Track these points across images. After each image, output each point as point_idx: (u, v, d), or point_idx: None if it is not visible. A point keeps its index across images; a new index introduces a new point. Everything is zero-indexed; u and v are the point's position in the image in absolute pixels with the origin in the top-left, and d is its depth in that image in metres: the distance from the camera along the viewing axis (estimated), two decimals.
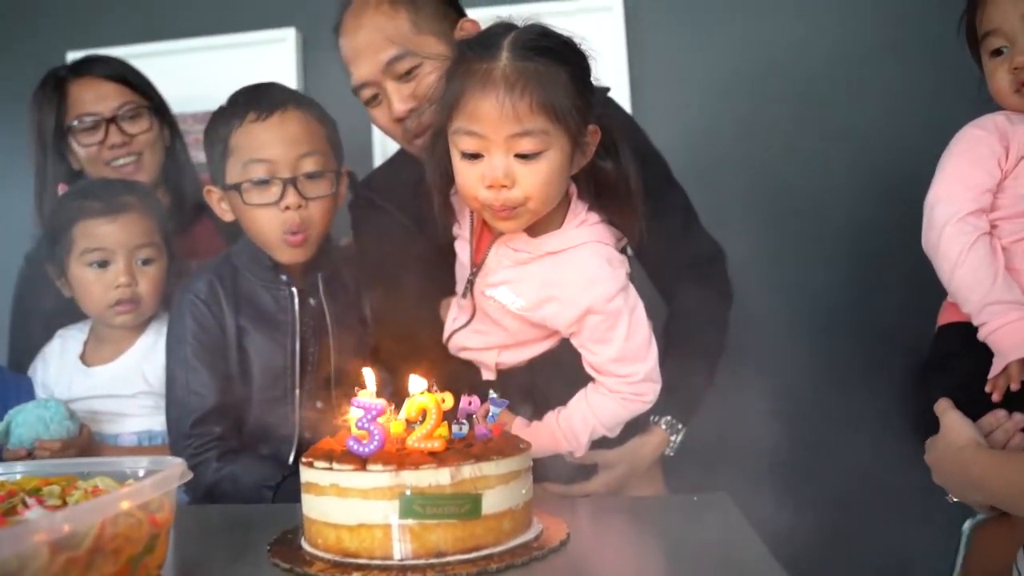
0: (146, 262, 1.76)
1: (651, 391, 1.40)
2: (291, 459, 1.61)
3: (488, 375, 1.48)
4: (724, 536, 1.12)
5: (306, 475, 1.07)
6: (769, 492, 1.52)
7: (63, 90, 1.98)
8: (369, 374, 1.13)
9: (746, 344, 1.86)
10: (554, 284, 1.36)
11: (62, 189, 1.87)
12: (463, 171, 1.31)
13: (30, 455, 1.57)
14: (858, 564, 2.23)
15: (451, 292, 1.58)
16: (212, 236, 2.00)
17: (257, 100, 1.60)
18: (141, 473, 1.08)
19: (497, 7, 1.45)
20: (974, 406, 1.27)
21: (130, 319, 1.77)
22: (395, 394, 1.16)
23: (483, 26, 1.41)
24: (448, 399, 1.09)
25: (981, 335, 1.29)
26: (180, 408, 1.61)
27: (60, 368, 1.81)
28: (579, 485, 1.51)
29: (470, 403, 1.10)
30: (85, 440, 1.66)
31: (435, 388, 1.09)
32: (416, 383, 1.09)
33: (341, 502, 1.02)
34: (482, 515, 1.02)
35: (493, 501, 1.03)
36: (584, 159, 1.36)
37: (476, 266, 1.44)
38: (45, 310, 1.90)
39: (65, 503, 0.98)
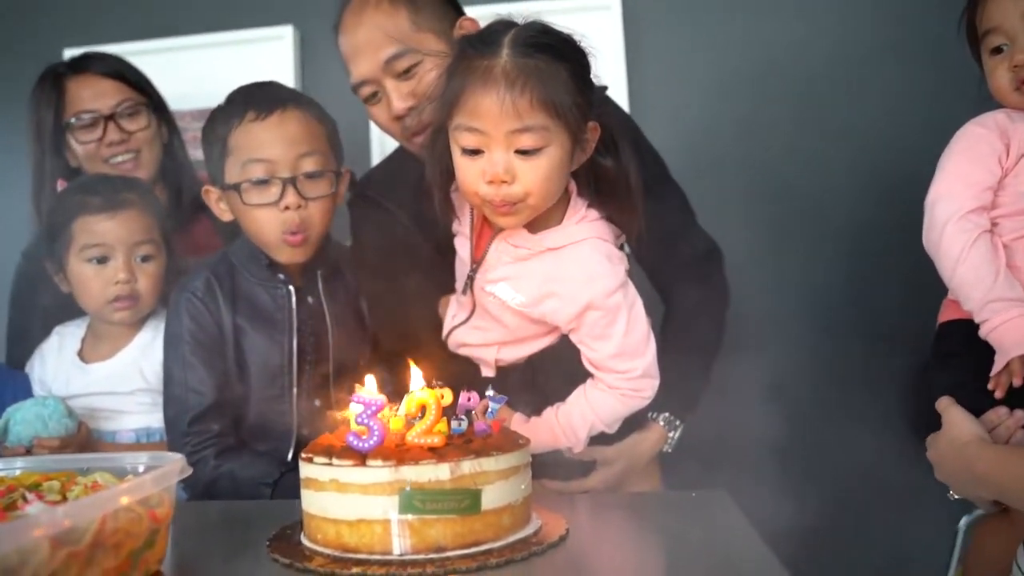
0: (145, 259, 1.76)
1: (649, 387, 1.41)
2: (289, 456, 1.61)
3: (487, 372, 1.48)
4: (723, 532, 1.12)
5: (305, 471, 1.07)
6: (768, 490, 1.53)
7: (61, 87, 1.98)
8: (371, 380, 1.13)
9: (745, 343, 1.86)
10: (554, 280, 1.37)
11: (61, 185, 1.87)
12: (464, 167, 1.31)
13: (28, 453, 1.57)
14: (856, 561, 2.24)
15: (450, 290, 1.58)
16: (210, 234, 2.00)
17: (256, 99, 1.59)
18: (141, 469, 1.09)
19: (496, 5, 1.45)
20: (975, 403, 1.27)
21: (128, 315, 1.77)
22: (395, 392, 1.16)
23: (482, 24, 1.42)
24: (447, 395, 1.09)
25: (983, 332, 1.29)
26: (178, 406, 1.60)
27: (58, 365, 1.81)
28: (577, 482, 1.51)
29: (469, 399, 1.10)
30: (83, 438, 1.66)
31: (436, 383, 1.09)
32: (416, 374, 1.09)
33: (341, 497, 1.02)
34: (481, 510, 1.02)
35: (492, 497, 1.03)
36: (584, 156, 1.36)
37: (476, 262, 1.44)
38: (43, 307, 1.90)
39: (65, 498, 0.98)
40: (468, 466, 1.01)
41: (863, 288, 2.34)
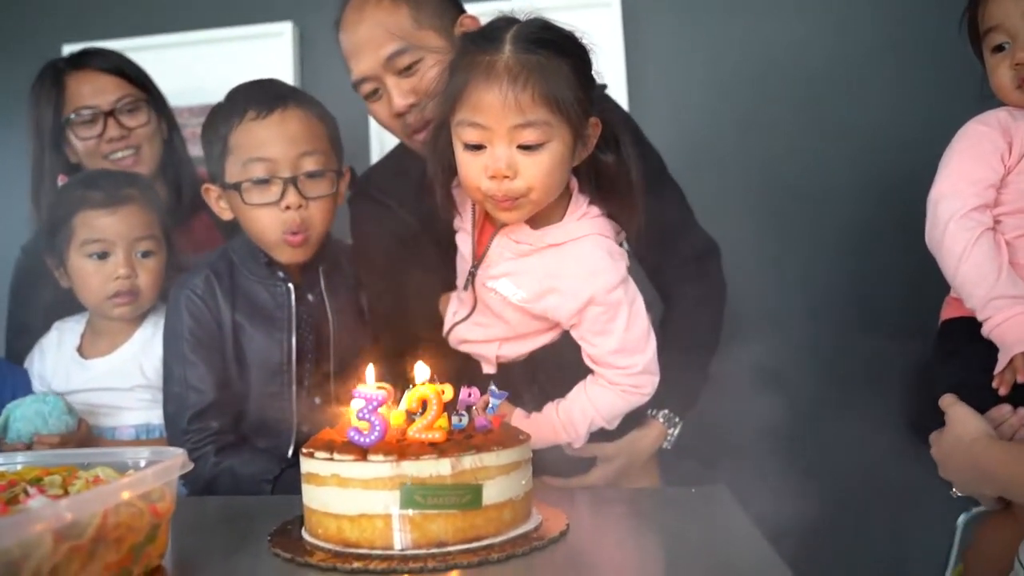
0: (145, 255, 1.76)
1: (649, 383, 1.41)
2: (289, 452, 1.62)
3: (488, 369, 1.48)
4: (722, 527, 1.12)
5: (307, 465, 1.07)
6: (766, 485, 1.53)
7: (61, 83, 1.98)
8: (370, 370, 1.13)
9: (744, 340, 1.86)
10: (555, 276, 1.37)
11: (62, 180, 1.86)
12: (466, 162, 1.32)
13: (28, 450, 1.57)
14: (855, 557, 2.24)
15: (451, 287, 1.58)
16: (210, 230, 2.00)
17: (256, 97, 1.58)
18: (142, 463, 1.09)
19: (497, 2, 1.45)
20: (978, 401, 1.27)
21: (128, 311, 1.77)
22: (395, 388, 1.16)
23: (482, 21, 1.43)
24: (448, 390, 1.09)
25: (985, 330, 1.29)
26: (178, 403, 1.60)
27: (57, 360, 1.81)
28: (578, 478, 1.52)
29: (470, 395, 1.11)
30: (83, 434, 1.66)
31: (436, 379, 1.10)
32: (422, 368, 1.09)
33: (342, 492, 1.02)
34: (482, 506, 1.02)
35: (494, 492, 1.03)
36: (586, 151, 1.37)
37: (478, 259, 1.45)
38: (42, 302, 1.90)
39: (66, 493, 0.98)
40: (469, 461, 1.02)
41: (863, 286, 2.34)
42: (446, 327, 1.53)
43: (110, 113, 1.96)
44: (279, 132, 1.56)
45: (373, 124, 2.44)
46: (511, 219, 1.36)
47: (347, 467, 1.02)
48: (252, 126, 1.56)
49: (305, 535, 1.09)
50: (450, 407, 1.09)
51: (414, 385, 1.09)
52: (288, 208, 1.55)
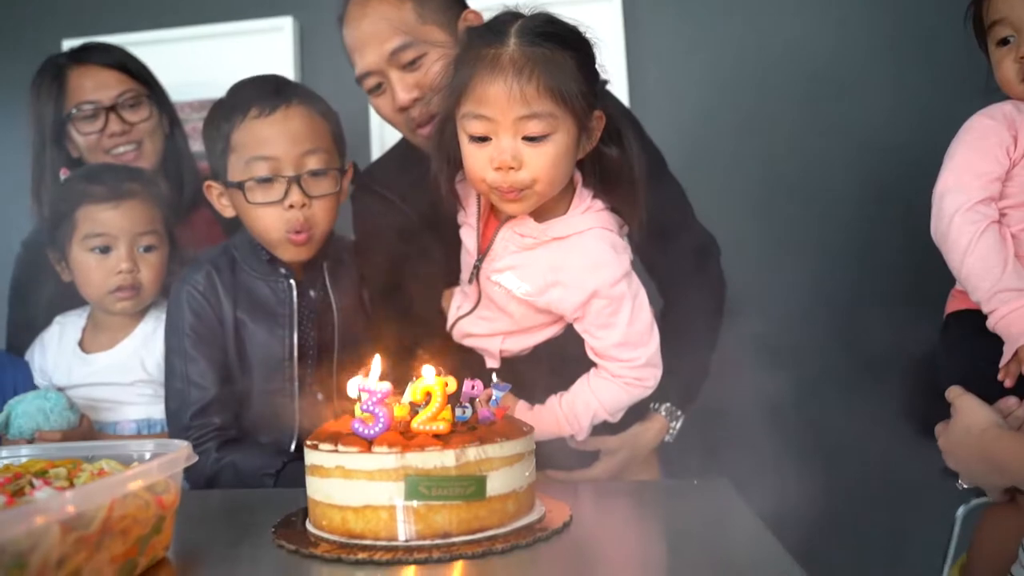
0: (148, 249, 1.76)
1: (652, 376, 1.42)
2: (292, 447, 1.62)
3: (492, 363, 1.49)
4: (725, 518, 1.13)
5: (311, 457, 1.07)
6: (767, 479, 1.53)
7: (62, 78, 1.98)
8: (377, 361, 1.14)
9: (743, 336, 1.87)
10: (560, 268, 1.38)
11: (64, 174, 1.86)
12: (471, 154, 1.33)
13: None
14: (855, 548, 2.25)
15: (453, 282, 1.59)
16: (210, 225, 2.00)
17: (260, 95, 1.57)
18: (147, 456, 1.09)
19: None
20: (983, 393, 1.26)
21: (130, 306, 1.77)
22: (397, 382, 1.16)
23: (485, 17, 1.43)
24: (452, 383, 1.09)
25: (991, 323, 1.29)
26: (179, 399, 1.61)
27: (58, 354, 1.81)
28: (581, 472, 1.52)
29: (473, 387, 1.11)
30: (85, 430, 1.66)
31: (440, 372, 1.10)
32: (428, 373, 1.09)
33: (346, 484, 1.03)
34: (486, 497, 1.02)
35: (497, 483, 1.03)
36: (590, 144, 1.38)
37: (482, 252, 1.45)
38: (43, 296, 1.90)
39: (72, 485, 0.98)
40: (473, 453, 1.02)
41: (862, 283, 2.35)
42: (450, 321, 1.54)
43: (112, 108, 1.96)
44: (282, 130, 1.55)
45: (374, 119, 2.45)
46: (516, 211, 1.37)
47: (352, 459, 1.02)
48: (255, 124, 1.55)
49: (309, 527, 1.09)
50: (453, 399, 1.10)
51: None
52: (292, 207, 1.55)
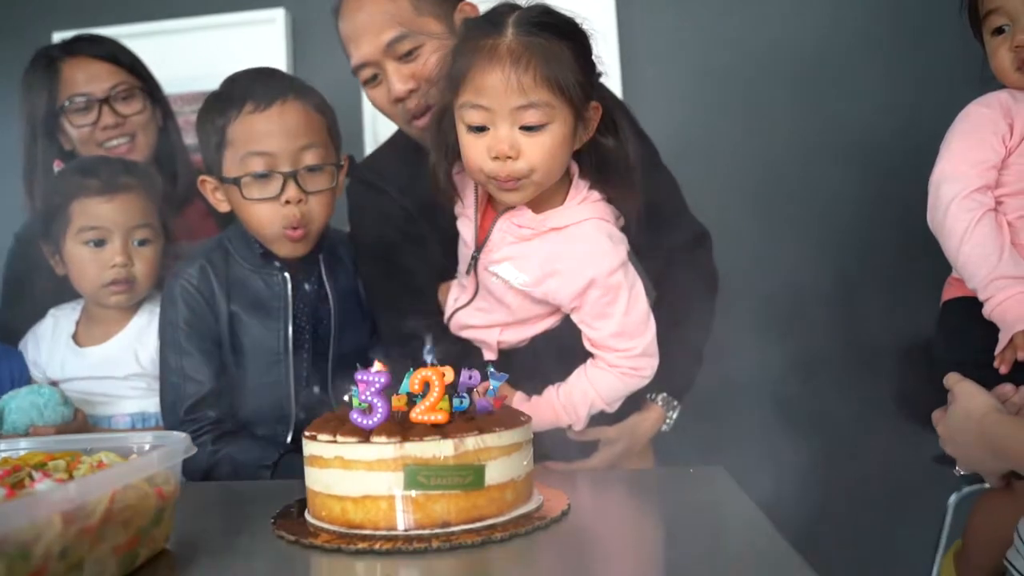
0: (142, 243, 1.75)
1: (649, 366, 1.43)
2: (288, 439, 1.62)
3: (489, 355, 1.49)
4: (722, 506, 1.14)
5: (310, 448, 1.08)
6: (761, 467, 1.55)
7: (54, 70, 1.97)
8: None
9: (735, 327, 1.88)
10: (557, 258, 1.39)
11: (58, 165, 1.86)
12: (469, 144, 1.34)
13: None
14: (848, 536, 2.26)
15: (449, 275, 1.59)
16: (204, 218, 2.00)
17: (255, 89, 1.56)
18: (147, 447, 1.09)
19: None
20: (980, 380, 1.26)
21: (124, 299, 1.76)
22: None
23: (480, 9, 1.44)
24: (449, 373, 1.10)
25: (986, 311, 1.30)
26: (174, 393, 1.60)
27: (52, 348, 1.81)
28: (580, 462, 1.53)
29: (470, 377, 1.11)
30: (80, 425, 1.65)
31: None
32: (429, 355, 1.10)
33: (346, 474, 1.03)
34: (485, 486, 1.03)
35: (496, 472, 1.04)
36: (587, 135, 1.39)
37: (480, 243, 1.46)
38: (36, 289, 1.89)
39: (71, 477, 0.98)
40: (472, 442, 1.02)
41: (854, 274, 2.36)
42: (447, 313, 1.54)
43: (105, 101, 1.95)
44: (279, 125, 1.53)
45: (367, 112, 2.45)
46: (514, 200, 1.38)
47: (351, 449, 1.02)
48: (251, 119, 1.53)
49: (308, 517, 1.10)
50: (451, 390, 1.10)
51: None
52: (288, 203, 1.53)
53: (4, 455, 1.10)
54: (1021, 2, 1.32)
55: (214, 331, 1.62)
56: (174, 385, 1.61)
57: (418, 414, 1.04)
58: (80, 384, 1.76)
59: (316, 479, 1.07)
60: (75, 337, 1.81)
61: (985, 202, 1.33)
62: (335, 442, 1.04)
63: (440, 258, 1.60)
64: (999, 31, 1.35)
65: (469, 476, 1.02)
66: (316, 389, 1.65)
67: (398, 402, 1.08)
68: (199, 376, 1.59)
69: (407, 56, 1.60)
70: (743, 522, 1.05)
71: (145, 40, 2.38)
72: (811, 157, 2.37)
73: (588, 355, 1.44)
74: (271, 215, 1.55)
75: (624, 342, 1.40)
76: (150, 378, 1.73)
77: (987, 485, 1.37)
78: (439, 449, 1.01)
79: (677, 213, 1.71)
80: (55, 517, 0.81)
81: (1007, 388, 1.26)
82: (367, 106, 2.38)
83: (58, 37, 2.24)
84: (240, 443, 1.58)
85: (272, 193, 1.54)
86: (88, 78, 1.96)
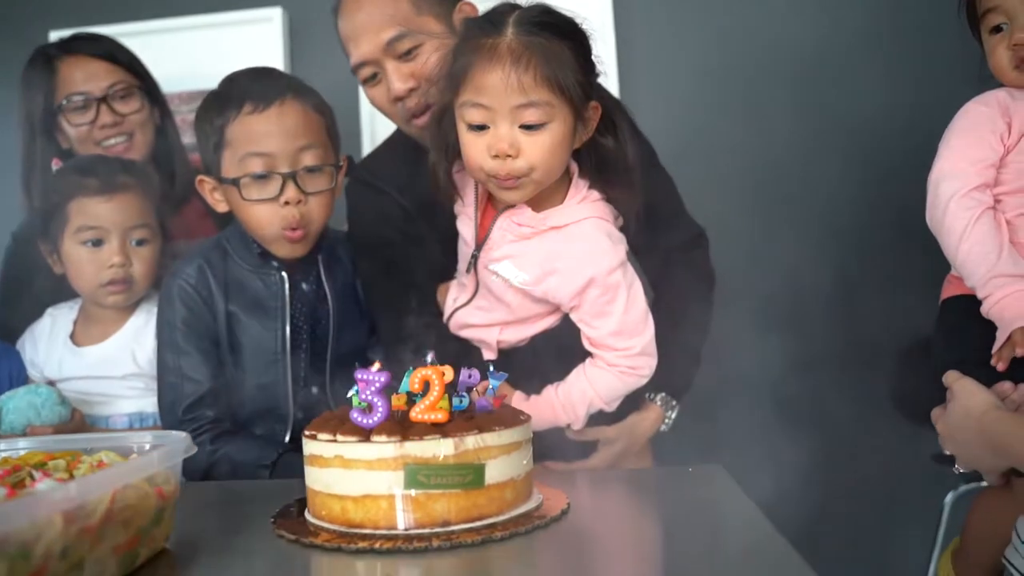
0: (140, 243, 1.75)
1: (647, 365, 1.44)
2: (286, 438, 1.62)
3: (489, 355, 1.50)
4: (721, 505, 1.14)
5: (310, 447, 1.08)
6: (760, 466, 1.55)
7: (52, 69, 1.96)
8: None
9: (733, 327, 1.88)
10: (557, 257, 1.39)
11: (56, 164, 1.85)
12: (470, 143, 1.35)
13: None
14: (845, 534, 2.27)
15: (448, 275, 1.59)
16: (202, 217, 1.99)
17: (254, 89, 1.55)
18: (147, 447, 1.09)
19: None
20: (979, 378, 1.26)
21: (122, 299, 1.76)
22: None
23: (478, 9, 1.45)
24: (449, 372, 1.10)
25: (985, 308, 1.30)
26: (172, 393, 1.60)
27: (50, 347, 1.81)
28: (580, 463, 1.53)
29: (470, 376, 1.12)
30: (77, 425, 1.65)
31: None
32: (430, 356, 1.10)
33: (346, 473, 1.03)
34: (485, 485, 1.03)
35: (496, 471, 1.04)
36: (586, 134, 1.40)
37: (480, 242, 1.46)
38: (33, 288, 1.88)
39: (71, 476, 0.98)
40: (472, 441, 1.03)
41: (853, 272, 2.36)
42: (447, 313, 1.54)
43: (103, 99, 1.95)
44: (278, 126, 1.53)
45: (364, 111, 2.45)
46: (514, 198, 1.38)
47: (351, 448, 1.03)
48: (250, 119, 1.53)
49: (308, 517, 1.10)
50: (450, 389, 1.10)
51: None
52: (287, 204, 1.53)
53: (4, 455, 1.10)
54: (1019, 1, 1.32)
55: (212, 330, 1.61)
56: (172, 385, 1.60)
57: (418, 413, 1.05)
58: (78, 384, 1.76)
59: (316, 478, 1.07)
60: (73, 337, 1.81)
61: (984, 200, 1.33)
62: (335, 441, 1.04)
63: (439, 258, 1.60)
64: (997, 29, 1.35)
65: (469, 475, 1.02)
66: (314, 389, 1.65)
67: (398, 401, 1.08)
68: (197, 376, 1.59)
69: (406, 55, 1.60)
70: (742, 521, 1.06)
71: (142, 39, 2.37)
72: (811, 157, 2.37)
73: (587, 355, 1.45)
74: (270, 216, 1.55)
75: (623, 341, 1.41)
76: (148, 378, 1.73)
77: (983, 484, 1.37)
78: (439, 448, 1.01)
79: (674, 214, 1.72)
80: (56, 517, 0.81)
81: (1006, 386, 1.26)
82: (365, 106, 2.38)
83: (55, 36, 2.24)
84: (238, 443, 1.58)
85: (271, 194, 1.53)
86: (86, 77, 1.96)
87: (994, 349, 1.28)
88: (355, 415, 1.04)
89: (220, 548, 1.06)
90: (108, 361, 1.77)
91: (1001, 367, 1.27)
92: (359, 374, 1.07)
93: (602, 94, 1.44)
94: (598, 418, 1.49)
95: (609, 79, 2.35)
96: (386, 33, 1.59)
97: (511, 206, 1.42)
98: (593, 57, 1.37)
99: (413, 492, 1.01)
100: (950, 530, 1.57)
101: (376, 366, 1.11)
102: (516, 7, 1.34)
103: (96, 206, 1.71)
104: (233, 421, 1.62)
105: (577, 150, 1.41)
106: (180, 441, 1.05)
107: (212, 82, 1.64)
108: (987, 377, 1.26)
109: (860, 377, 2.23)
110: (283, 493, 1.22)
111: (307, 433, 1.09)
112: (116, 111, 1.96)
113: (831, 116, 2.37)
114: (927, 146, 1.43)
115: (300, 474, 1.12)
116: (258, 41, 2.55)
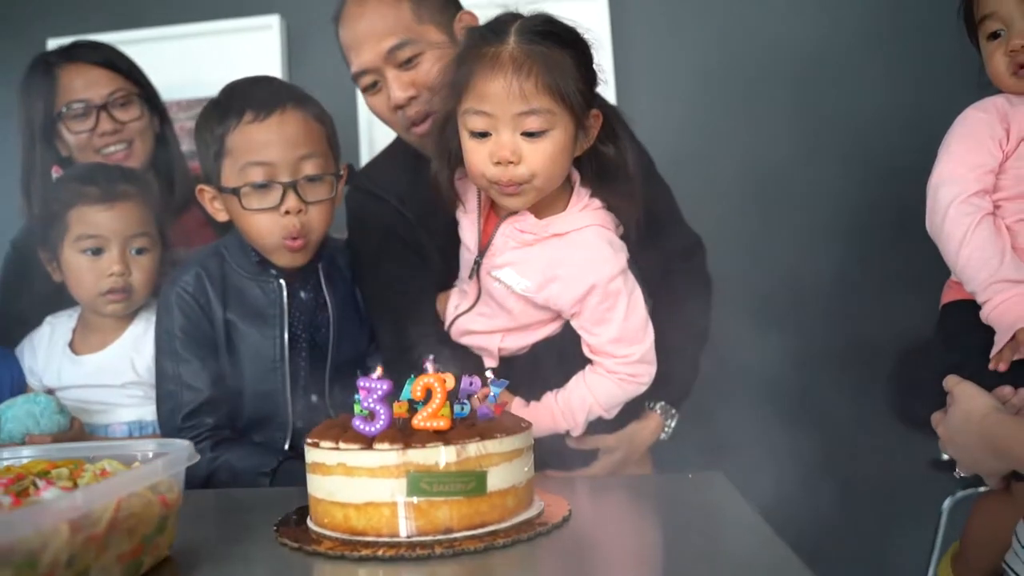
0: (140, 251, 1.74)
1: (647, 372, 1.45)
2: (286, 446, 1.61)
3: (490, 362, 1.50)
4: (722, 511, 1.15)
5: (312, 455, 1.08)
6: (760, 473, 1.56)
7: (52, 76, 1.96)
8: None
9: (731, 333, 1.89)
10: (558, 264, 1.40)
11: (56, 171, 1.85)
12: (472, 150, 1.36)
13: None
14: (843, 541, 2.27)
15: (447, 283, 1.59)
16: (201, 225, 1.99)
17: (254, 98, 1.55)
18: (150, 455, 1.10)
19: None
20: (980, 383, 1.26)
21: (121, 308, 1.75)
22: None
23: (480, 17, 1.47)
24: (450, 380, 1.10)
25: (984, 314, 1.29)
26: (171, 401, 1.60)
27: (49, 356, 1.80)
28: (580, 471, 1.53)
29: (471, 383, 1.12)
30: (76, 433, 1.64)
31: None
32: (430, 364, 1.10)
33: (348, 481, 1.03)
34: (487, 492, 1.04)
35: (497, 478, 1.05)
36: (587, 142, 1.41)
37: (482, 248, 1.47)
38: (33, 296, 1.88)
39: (75, 485, 0.98)
40: (474, 448, 1.03)
41: (851, 277, 2.37)
42: (448, 320, 1.55)
43: (102, 107, 1.95)
44: (278, 135, 1.52)
45: (363, 120, 2.45)
46: (515, 205, 1.40)
47: (353, 456, 1.03)
48: (250, 129, 1.52)
49: (310, 524, 1.10)
50: (451, 396, 1.11)
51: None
52: (288, 213, 1.53)
53: (7, 463, 1.10)
54: (1015, 7, 1.32)
55: (210, 338, 1.61)
56: (171, 393, 1.60)
57: (420, 421, 1.05)
58: (76, 392, 1.75)
59: (319, 486, 1.08)
60: (71, 345, 1.80)
61: (983, 206, 1.33)
62: (338, 449, 1.04)
63: (439, 266, 1.61)
64: (994, 36, 1.36)
65: (471, 482, 1.03)
66: (314, 397, 1.64)
67: (400, 409, 1.09)
68: (196, 383, 1.59)
69: (407, 64, 1.61)
70: (742, 527, 1.06)
71: (142, 46, 2.37)
72: (811, 157, 2.37)
73: (588, 362, 1.45)
74: (270, 225, 1.54)
75: (623, 348, 1.41)
76: (146, 386, 1.72)
77: (982, 489, 1.37)
78: (441, 456, 1.02)
79: (671, 221, 1.72)
80: (62, 525, 0.81)
81: (1007, 390, 1.26)
82: (363, 113, 2.39)
83: (54, 43, 2.25)
84: (239, 450, 1.58)
85: (272, 203, 1.53)
86: (86, 84, 1.95)
87: (993, 352, 1.28)
88: (357, 423, 1.05)
89: (222, 556, 1.07)
90: (107, 370, 1.76)
91: (1002, 368, 1.27)
92: (361, 382, 1.07)
93: (602, 103, 1.45)
94: (598, 426, 1.49)
95: (606, 86, 2.36)
96: (387, 42, 1.59)
97: (514, 213, 1.43)
98: (594, 66, 1.38)
99: (415, 499, 1.01)
100: (948, 535, 1.58)
101: (378, 373, 1.11)
102: (518, 16, 1.36)
103: (96, 214, 1.70)
104: (233, 428, 1.61)
105: (578, 158, 1.42)
106: (183, 449, 1.06)
107: (211, 89, 1.64)
108: (986, 382, 1.27)
109: (861, 379, 2.24)
110: (283, 501, 1.23)
111: (309, 441, 1.09)
112: (116, 119, 1.96)
113: (831, 116, 2.38)
114: (927, 147, 1.43)
115: (300, 482, 1.12)
116: (257, 48, 2.56)
